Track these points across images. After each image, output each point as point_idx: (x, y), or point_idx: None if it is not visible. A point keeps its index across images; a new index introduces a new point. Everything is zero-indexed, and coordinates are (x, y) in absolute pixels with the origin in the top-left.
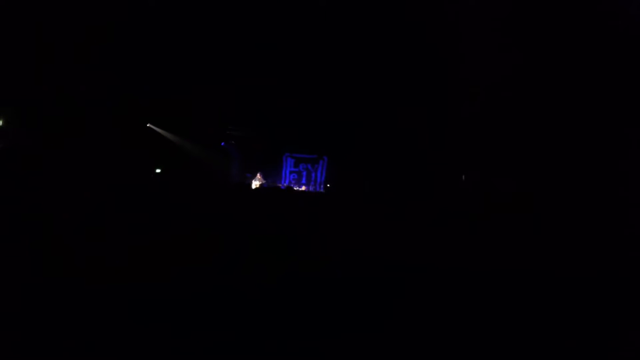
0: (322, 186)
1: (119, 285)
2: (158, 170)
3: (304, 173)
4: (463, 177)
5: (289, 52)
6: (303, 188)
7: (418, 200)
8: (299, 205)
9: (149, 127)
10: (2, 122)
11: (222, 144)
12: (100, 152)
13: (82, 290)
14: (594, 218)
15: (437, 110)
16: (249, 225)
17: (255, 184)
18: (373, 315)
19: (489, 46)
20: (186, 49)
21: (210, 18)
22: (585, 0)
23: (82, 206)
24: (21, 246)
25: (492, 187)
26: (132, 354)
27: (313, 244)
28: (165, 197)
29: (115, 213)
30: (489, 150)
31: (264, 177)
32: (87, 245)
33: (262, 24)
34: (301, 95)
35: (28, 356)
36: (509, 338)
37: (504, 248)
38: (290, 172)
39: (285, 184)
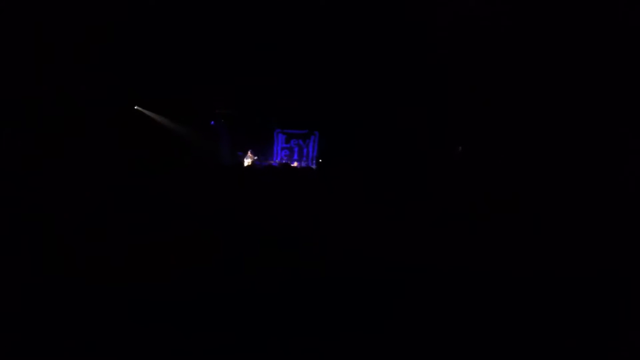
0: (314, 161)
1: (120, 286)
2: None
3: (296, 149)
4: (460, 148)
5: (279, 37)
6: (295, 164)
7: (416, 199)
8: (299, 203)
9: (136, 109)
10: (2, 122)
11: (212, 122)
12: (100, 152)
13: (83, 290)
14: (593, 218)
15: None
16: (250, 224)
17: (247, 162)
18: (373, 315)
19: (488, 45)
20: (176, 41)
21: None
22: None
23: (82, 206)
24: (21, 246)
25: (492, 186)
26: (132, 355)
27: (313, 243)
28: (165, 195)
29: (115, 213)
30: (489, 148)
31: (255, 154)
32: (88, 246)
33: (253, 16)
34: (291, 73)
35: (28, 356)
36: (509, 338)
37: (504, 248)
38: (282, 149)
39: (277, 161)
